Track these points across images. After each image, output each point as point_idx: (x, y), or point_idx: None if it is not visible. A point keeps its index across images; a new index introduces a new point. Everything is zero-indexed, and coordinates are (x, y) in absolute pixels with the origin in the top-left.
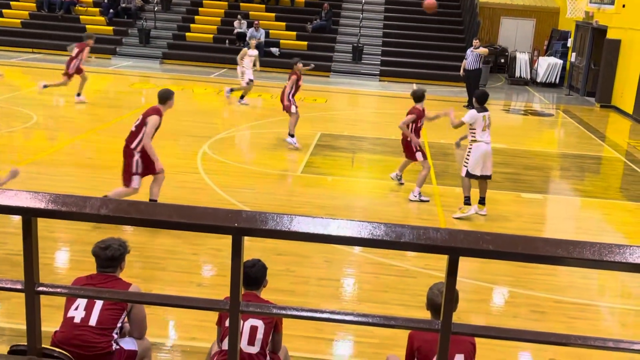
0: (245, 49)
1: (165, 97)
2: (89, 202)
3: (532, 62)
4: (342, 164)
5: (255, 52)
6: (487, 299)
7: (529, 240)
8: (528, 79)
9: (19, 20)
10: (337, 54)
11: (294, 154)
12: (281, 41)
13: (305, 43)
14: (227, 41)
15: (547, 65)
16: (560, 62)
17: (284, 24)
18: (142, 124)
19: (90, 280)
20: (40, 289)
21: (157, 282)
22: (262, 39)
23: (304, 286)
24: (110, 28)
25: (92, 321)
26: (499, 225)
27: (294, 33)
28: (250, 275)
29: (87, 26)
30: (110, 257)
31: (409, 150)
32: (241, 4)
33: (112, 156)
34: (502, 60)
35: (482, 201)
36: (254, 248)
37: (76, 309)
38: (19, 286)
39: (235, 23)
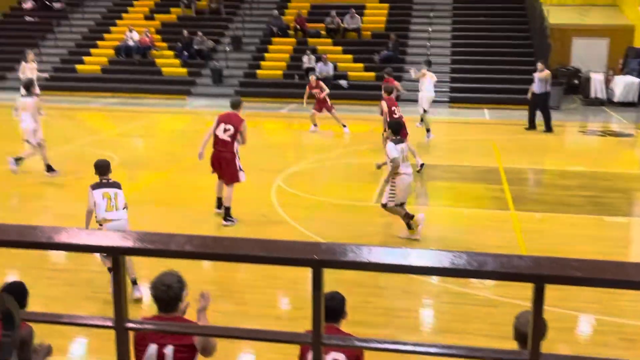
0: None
1: (239, 103)
2: (174, 239)
3: (607, 81)
4: (418, 193)
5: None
6: (573, 327)
7: (618, 265)
8: (604, 99)
9: (99, 67)
10: (405, 84)
11: (366, 184)
12: (349, 73)
13: (373, 74)
14: (296, 76)
15: (624, 85)
16: (637, 80)
17: (351, 56)
18: (236, 131)
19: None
20: (130, 325)
21: (237, 316)
22: (331, 72)
23: (383, 317)
24: (185, 70)
25: None
26: (582, 249)
27: (362, 65)
28: (329, 308)
29: (162, 69)
30: (174, 298)
31: None
32: (309, 39)
33: (189, 194)
34: (576, 82)
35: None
36: (330, 280)
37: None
38: (109, 323)
39: (304, 58)
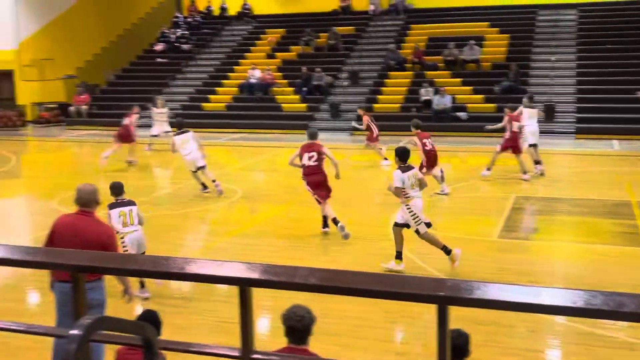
0: None
1: (316, 133)
2: (298, 271)
3: None
4: (540, 227)
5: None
6: None
7: None
8: None
9: (223, 104)
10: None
11: (487, 218)
12: (468, 105)
13: (494, 105)
14: (413, 109)
15: None
16: None
17: (470, 87)
18: (321, 156)
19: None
20: (256, 356)
21: (354, 350)
22: (448, 104)
23: (510, 357)
24: (304, 105)
25: None
26: None
27: (481, 96)
28: (455, 346)
29: (282, 105)
30: (305, 329)
31: None
32: (426, 72)
33: (308, 225)
34: None
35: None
36: (450, 316)
37: None
38: (236, 353)
39: (422, 91)
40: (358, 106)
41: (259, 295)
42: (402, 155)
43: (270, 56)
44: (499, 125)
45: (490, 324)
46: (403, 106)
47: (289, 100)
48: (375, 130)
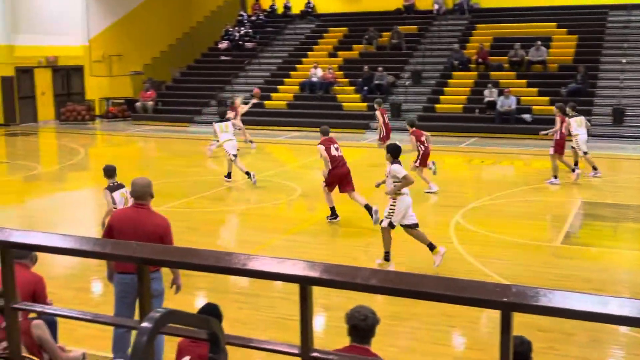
0: None
1: (329, 130)
2: (360, 272)
3: None
4: (607, 234)
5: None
6: None
7: None
8: None
9: (284, 102)
10: (596, 118)
11: (550, 223)
12: (533, 107)
13: None
14: (477, 110)
15: None
16: None
17: (536, 89)
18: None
19: (349, 352)
20: (315, 355)
21: (412, 353)
22: (513, 106)
23: None
24: (364, 104)
25: None
26: None
27: (547, 98)
28: (517, 353)
29: (343, 104)
30: (370, 328)
31: None
32: (491, 72)
33: (368, 225)
34: None
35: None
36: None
37: None
38: (295, 351)
39: (486, 92)
40: (422, 106)
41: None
42: (395, 151)
43: (332, 55)
44: (554, 129)
45: (551, 330)
46: (466, 107)
47: (350, 99)
48: (384, 131)
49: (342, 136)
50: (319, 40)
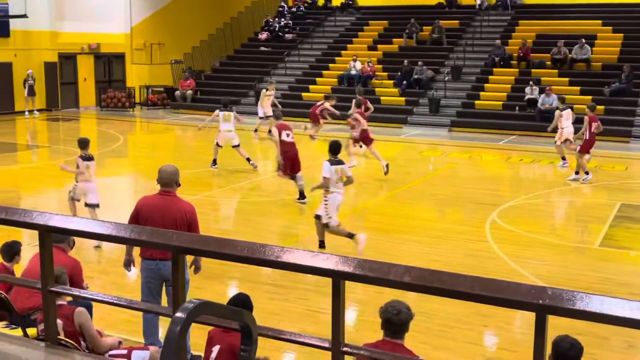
0: None
1: (281, 116)
2: (393, 269)
3: None
4: None
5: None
6: None
7: None
8: None
9: (322, 95)
10: (639, 119)
11: (589, 225)
12: (575, 106)
13: (602, 107)
14: (517, 108)
15: None
16: None
17: (578, 88)
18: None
19: (382, 346)
20: (346, 349)
21: (443, 351)
22: (554, 104)
23: None
24: (403, 99)
25: None
26: None
27: (590, 97)
28: (565, 357)
29: (381, 98)
30: (403, 323)
31: None
32: (532, 70)
33: (402, 221)
34: None
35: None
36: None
37: None
38: (326, 344)
39: (527, 89)
40: (461, 102)
41: (349, 287)
42: (335, 148)
43: (371, 48)
44: (582, 129)
45: (586, 333)
46: (505, 104)
47: (388, 93)
48: (363, 123)
49: (380, 130)
50: (358, 33)
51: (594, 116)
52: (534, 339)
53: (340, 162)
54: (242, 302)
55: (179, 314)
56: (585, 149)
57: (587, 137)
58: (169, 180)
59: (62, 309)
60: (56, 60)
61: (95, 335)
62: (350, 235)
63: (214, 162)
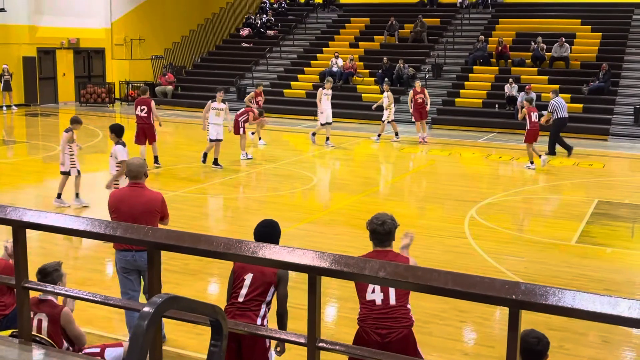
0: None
1: (147, 90)
2: (369, 264)
3: None
4: (623, 235)
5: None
6: None
7: None
8: None
9: (304, 92)
10: (617, 117)
11: (566, 222)
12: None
13: (581, 105)
14: (496, 105)
15: None
16: None
17: (557, 86)
18: (149, 109)
19: (375, 256)
20: (321, 344)
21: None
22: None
23: None
24: (382, 96)
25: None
26: None
27: (568, 95)
28: (534, 351)
29: (362, 95)
30: (387, 232)
31: None
32: (512, 68)
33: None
34: None
35: None
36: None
37: (373, 292)
38: (302, 340)
39: (506, 87)
40: (442, 99)
41: (329, 283)
42: (119, 131)
43: (353, 45)
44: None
45: (562, 329)
46: (485, 102)
47: (369, 90)
48: (254, 110)
49: (361, 127)
50: (340, 30)
51: (532, 107)
52: (507, 334)
53: (125, 145)
54: (271, 226)
55: (146, 309)
56: (529, 138)
57: (529, 127)
58: (137, 173)
59: (48, 306)
60: (35, 55)
61: (80, 334)
62: None
63: (205, 156)
